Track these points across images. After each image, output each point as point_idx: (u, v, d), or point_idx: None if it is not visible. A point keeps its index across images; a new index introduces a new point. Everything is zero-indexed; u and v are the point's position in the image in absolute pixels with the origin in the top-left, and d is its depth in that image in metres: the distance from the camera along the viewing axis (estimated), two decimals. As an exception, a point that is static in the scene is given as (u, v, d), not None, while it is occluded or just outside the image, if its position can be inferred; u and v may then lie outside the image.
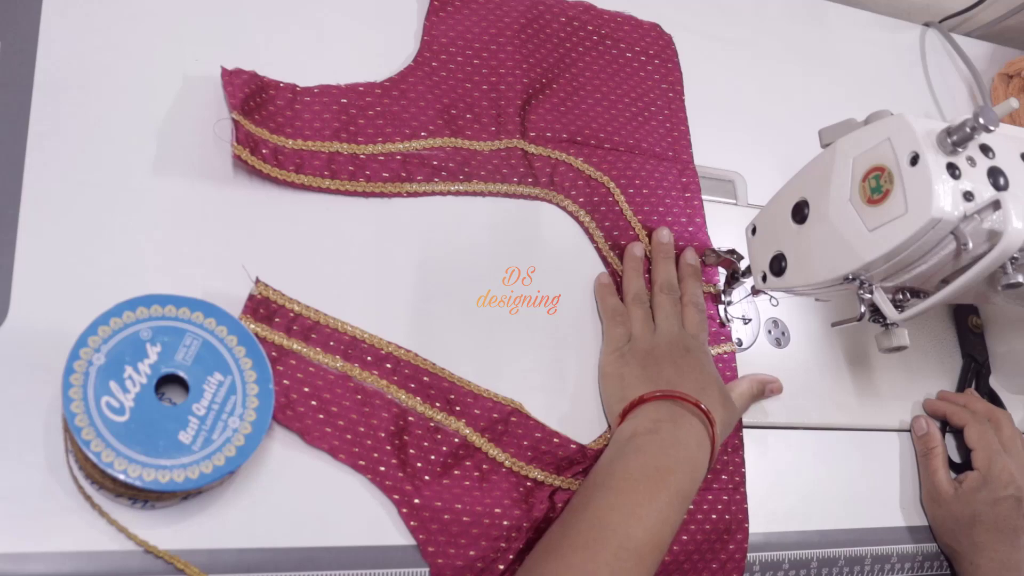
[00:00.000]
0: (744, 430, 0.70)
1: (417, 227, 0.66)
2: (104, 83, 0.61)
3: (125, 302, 0.51)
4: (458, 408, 0.61)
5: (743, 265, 0.70)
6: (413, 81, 0.69)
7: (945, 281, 0.59)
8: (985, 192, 0.55)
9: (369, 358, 0.60)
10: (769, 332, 0.75)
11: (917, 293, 0.61)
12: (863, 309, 0.61)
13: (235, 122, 0.61)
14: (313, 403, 0.57)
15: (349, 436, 0.57)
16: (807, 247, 0.62)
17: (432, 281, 0.65)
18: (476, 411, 0.61)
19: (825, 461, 0.72)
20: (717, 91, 0.83)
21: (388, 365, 0.60)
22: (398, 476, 0.57)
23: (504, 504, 0.59)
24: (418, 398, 0.60)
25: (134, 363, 0.50)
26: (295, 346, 0.58)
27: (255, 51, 0.66)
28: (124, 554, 0.50)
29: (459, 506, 0.58)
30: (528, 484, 0.60)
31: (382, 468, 0.57)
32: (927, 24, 1.01)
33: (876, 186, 0.57)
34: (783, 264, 0.64)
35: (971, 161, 0.56)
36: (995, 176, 0.56)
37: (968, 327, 0.82)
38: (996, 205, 0.54)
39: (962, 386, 0.80)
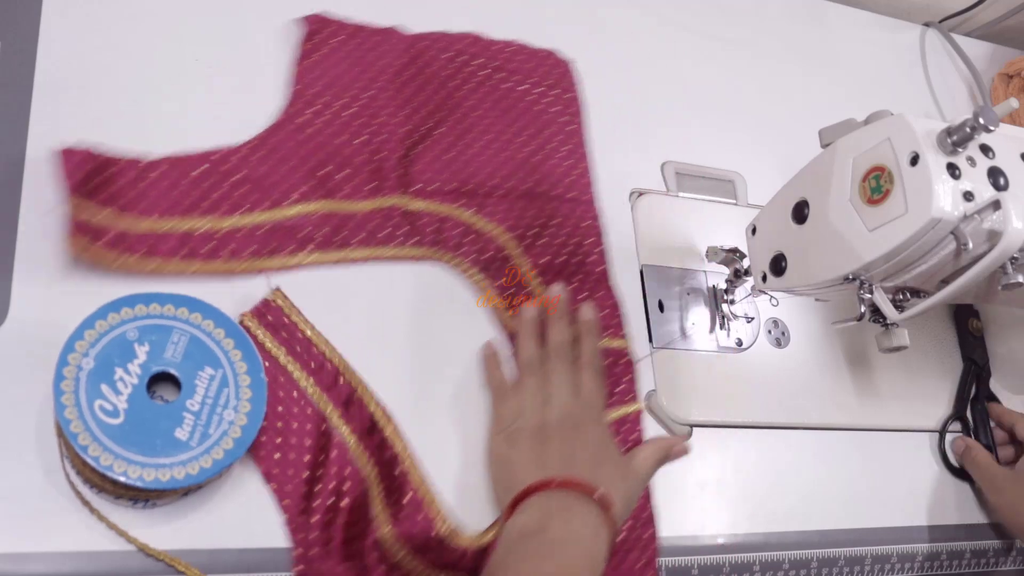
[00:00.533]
0: (744, 430, 0.70)
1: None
2: (104, 83, 0.61)
3: (109, 304, 0.51)
4: (400, 512, 0.55)
5: (745, 263, 0.70)
6: (280, 139, 0.62)
7: (945, 281, 0.59)
8: (985, 192, 0.55)
9: (352, 410, 0.57)
10: (769, 332, 0.75)
11: (917, 293, 0.61)
12: (863, 309, 0.61)
13: (69, 209, 0.54)
14: (279, 424, 0.55)
15: (291, 472, 0.54)
16: (807, 247, 0.62)
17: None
18: (413, 520, 0.56)
19: (825, 461, 0.72)
20: (717, 91, 0.83)
21: (367, 425, 0.57)
22: (311, 538, 0.53)
23: None
24: (376, 476, 0.56)
25: (124, 364, 0.50)
26: (290, 366, 0.56)
27: (255, 51, 0.66)
28: (123, 554, 0.50)
29: None
30: None
31: (301, 521, 0.53)
32: (927, 24, 1.01)
33: (876, 186, 0.57)
34: (783, 264, 0.64)
35: (971, 161, 0.56)
36: (995, 176, 0.56)
37: (968, 330, 0.82)
38: (996, 205, 0.54)
39: (963, 389, 0.79)
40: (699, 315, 0.72)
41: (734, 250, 0.71)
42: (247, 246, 0.58)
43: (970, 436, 0.77)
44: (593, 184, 0.72)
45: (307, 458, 0.54)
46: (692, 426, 0.68)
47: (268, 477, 0.54)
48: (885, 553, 0.71)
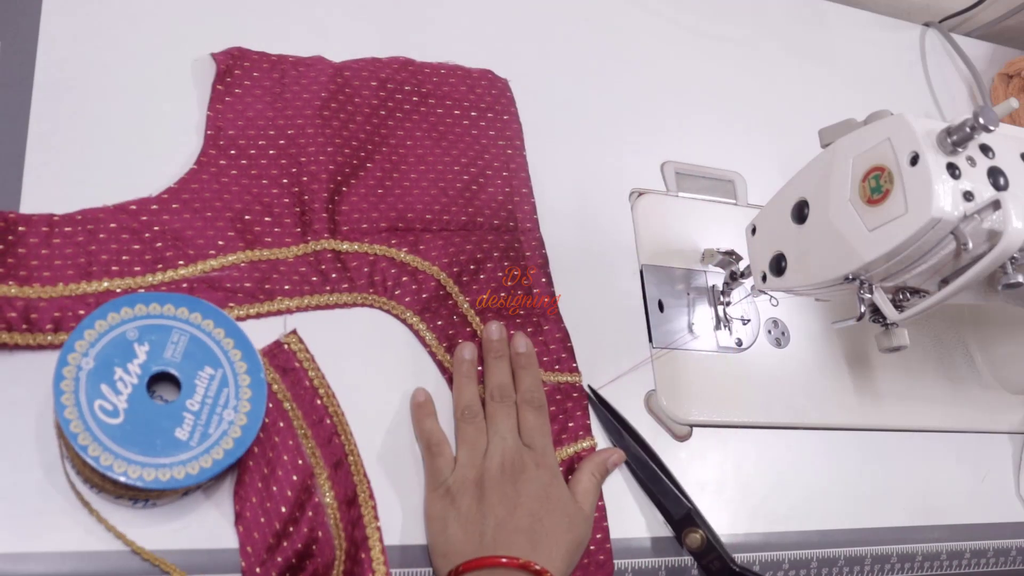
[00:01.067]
0: (744, 430, 0.70)
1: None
2: (104, 83, 0.61)
3: (108, 303, 0.51)
4: None
5: (742, 265, 0.70)
6: (197, 188, 0.59)
7: (945, 281, 0.59)
8: (985, 192, 0.55)
9: (340, 473, 0.55)
10: (769, 332, 0.75)
11: (917, 293, 0.61)
12: (863, 309, 0.61)
13: None
14: (265, 470, 0.53)
15: (263, 520, 0.52)
16: (807, 247, 0.62)
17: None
18: None
19: (825, 461, 0.72)
20: (717, 91, 0.83)
21: (350, 496, 0.55)
22: None
23: None
24: (343, 552, 0.53)
25: (123, 364, 0.50)
26: (291, 413, 0.55)
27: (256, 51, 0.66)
28: (123, 554, 0.50)
29: None
30: None
31: (257, 573, 0.51)
32: (927, 24, 1.01)
33: (876, 186, 0.57)
34: (783, 264, 0.64)
35: (971, 161, 0.56)
36: (995, 176, 0.56)
37: None
38: (996, 205, 0.54)
39: None
40: (700, 315, 0.72)
41: (730, 252, 0.71)
42: None
43: None
44: (538, 209, 0.69)
45: (283, 510, 0.52)
46: (692, 426, 0.68)
47: (239, 518, 0.52)
48: (885, 553, 0.71)
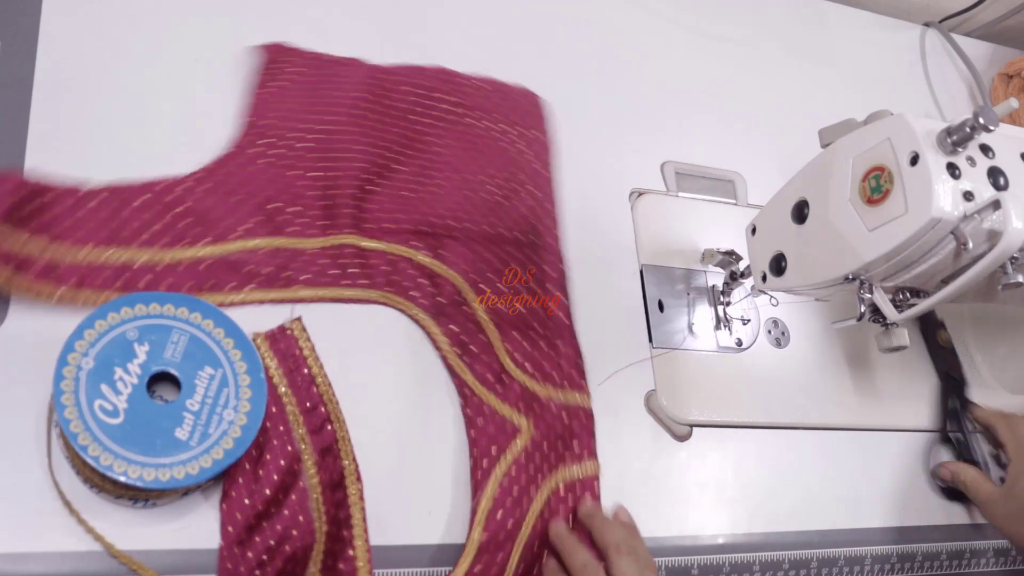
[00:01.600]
0: (744, 430, 0.70)
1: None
2: (104, 83, 0.61)
3: (109, 303, 0.51)
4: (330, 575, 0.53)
5: (742, 265, 0.70)
6: (228, 171, 0.60)
7: (945, 281, 0.59)
8: (985, 192, 0.55)
9: (327, 460, 0.55)
10: (769, 332, 0.75)
11: (917, 293, 0.61)
12: (863, 309, 0.61)
13: None
14: (254, 452, 0.52)
15: (246, 501, 0.52)
16: (807, 247, 0.62)
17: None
18: None
19: (825, 461, 0.72)
20: (717, 91, 0.83)
21: (336, 479, 0.55)
22: (238, 571, 0.51)
23: None
24: (324, 535, 0.53)
25: (123, 364, 0.50)
26: (285, 399, 0.55)
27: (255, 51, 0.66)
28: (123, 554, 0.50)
29: None
30: None
31: (234, 553, 0.51)
32: (927, 24, 1.01)
33: (876, 186, 0.57)
34: (783, 264, 0.64)
35: (971, 161, 0.56)
36: (995, 176, 0.56)
37: (938, 343, 0.80)
38: (996, 205, 0.54)
39: (945, 403, 0.78)
40: (700, 315, 0.72)
41: (730, 252, 0.71)
42: (186, 280, 0.56)
43: (963, 453, 0.75)
44: (559, 227, 0.69)
45: (267, 492, 0.52)
46: (692, 426, 0.68)
47: (224, 497, 0.52)
48: (885, 553, 0.71)
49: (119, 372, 0.50)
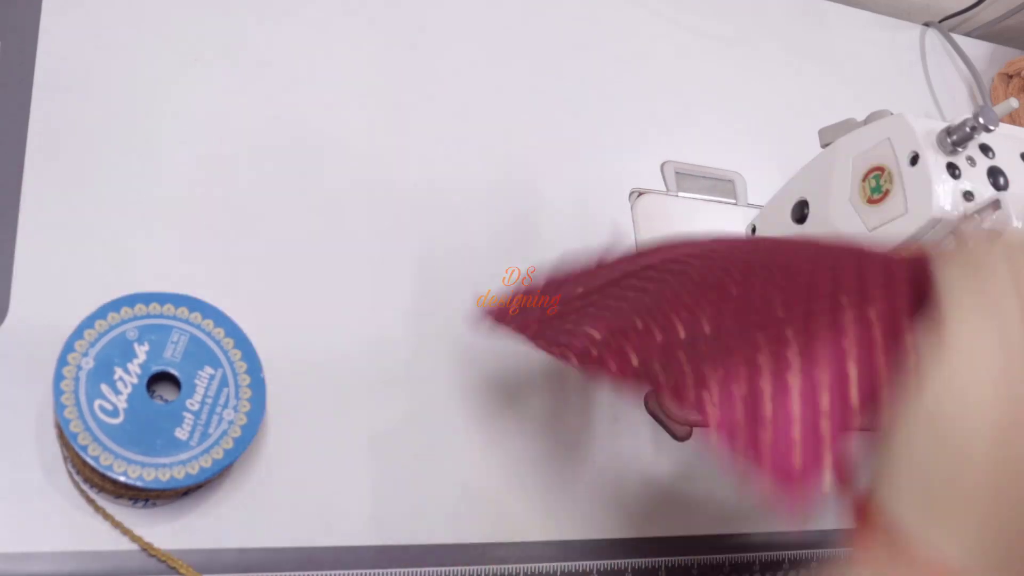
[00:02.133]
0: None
1: (417, 223, 0.66)
2: (104, 83, 0.61)
3: (109, 303, 0.51)
4: None
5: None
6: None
7: (945, 281, 0.59)
8: (985, 192, 0.55)
9: None
10: (769, 332, 0.74)
11: (917, 293, 0.61)
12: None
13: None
14: None
15: None
16: (807, 247, 0.62)
17: (433, 278, 0.64)
18: None
19: (825, 461, 0.72)
20: (717, 91, 0.83)
21: None
22: None
23: None
24: None
25: (123, 364, 0.50)
26: None
27: (255, 52, 0.66)
28: (124, 554, 0.50)
29: None
30: None
31: None
32: (927, 24, 1.01)
33: (876, 186, 0.57)
34: (783, 264, 0.64)
35: (971, 161, 0.56)
36: (995, 176, 0.56)
37: None
38: (996, 205, 0.54)
39: None
40: (699, 315, 0.72)
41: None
42: None
43: None
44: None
45: None
46: (692, 426, 0.68)
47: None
48: (885, 553, 0.71)
49: (119, 372, 0.50)
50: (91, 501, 0.50)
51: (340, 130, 0.67)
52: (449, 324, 0.64)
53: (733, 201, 0.79)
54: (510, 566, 0.59)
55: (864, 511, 0.44)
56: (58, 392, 0.48)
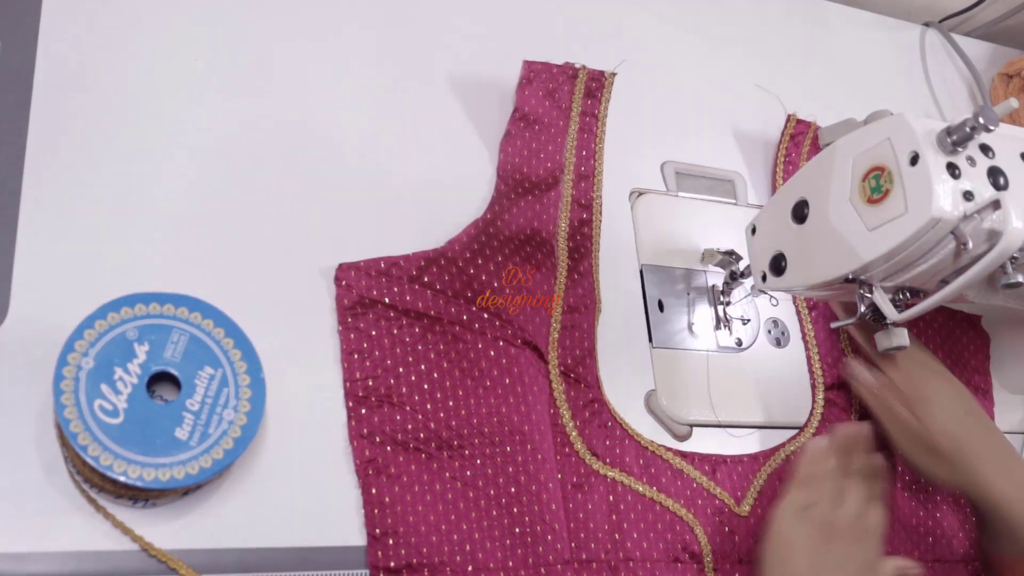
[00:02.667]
0: (745, 430, 0.70)
1: (417, 223, 0.66)
2: (104, 83, 0.61)
3: (109, 303, 0.51)
4: None
5: (742, 265, 0.70)
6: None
7: (945, 281, 0.59)
8: (985, 192, 0.55)
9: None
10: (769, 332, 0.74)
11: (917, 293, 0.61)
12: (863, 309, 0.61)
13: None
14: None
15: None
16: (807, 247, 0.62)
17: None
18: None
19: (825, 461, 0.72)
20: (717, 91, 0.83)
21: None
22: None
23: None
24: None
25: (123, 364, 0.50)
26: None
27: (255, 52, 0.66)
28: (124, 554, 0.50)
29: None
30: None
31: None
32: (927, 24, 1.01)
33: (876, 186, 0.57)
34: (783, 264, 0.64)
35: (971, 161, 0.56)
36: (995, 176, 0.56)
37: None
38: (996, 205, 0.54)
39: None
40: (700, 315, 0.72)
41: (730, 252, 0.71)
42: None
43: None
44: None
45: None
46: (692, 426, 0.68)
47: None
48: (885, 553, 0.71)
49: (119, 372, 0.50)
50: (91, 501, 0.50)
51: (340, 130, 0.67)
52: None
53: (733, 201, 0.79)
54: (510, 566, 0.59)
55: None
56: (58, 392, 0.48)
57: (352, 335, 0.59)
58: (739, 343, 0.73)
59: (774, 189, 0.78)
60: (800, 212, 0.63)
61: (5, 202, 0.55)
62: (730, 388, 0.71)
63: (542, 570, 0.57)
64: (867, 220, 0.57)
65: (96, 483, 0.50)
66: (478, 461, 0.58)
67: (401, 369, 0.59)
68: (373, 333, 0.59)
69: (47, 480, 0.50)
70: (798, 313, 0.75)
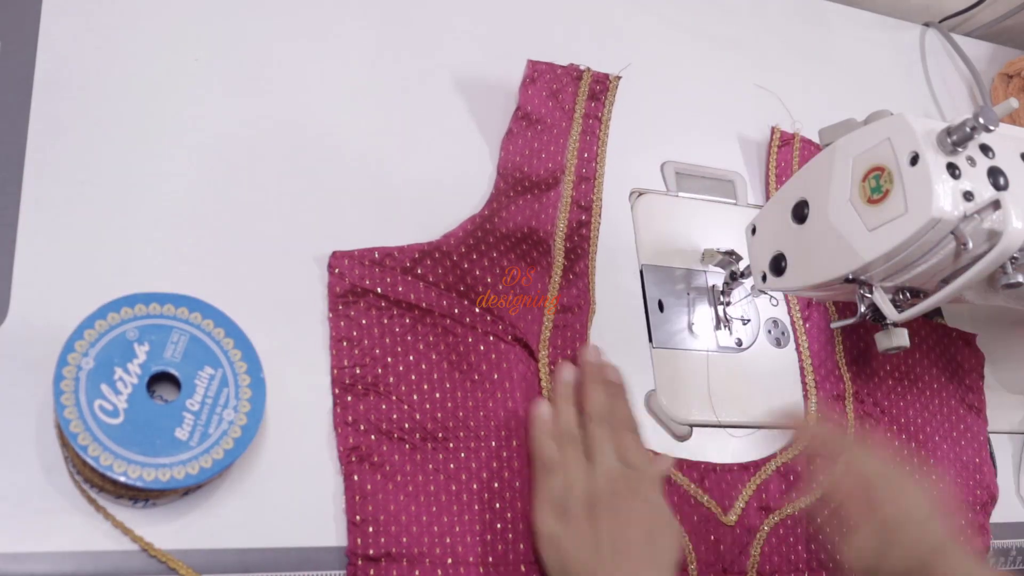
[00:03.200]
0: (746, 430, 0.70)
1: (417, 223, 0.66)
2: (104, 83, 0.61)
3: (109, 303, 0.51)
4: None
5: (742, 265, 0.70)
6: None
7: (945, 281, 0.59)
8: (985, 192, 0.55)
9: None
10: (769, 332, 0.75)
11: (917, 293, 0.61)
12: (863, 309, 0.61)
13: None
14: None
15: None
16: (807, 247, 0.62)
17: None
18: None
19: (825, 461, 0.72)
20: (717, 91, 0.83)
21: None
22: None
23: None
24: None
25: (123, 364, 0.50)
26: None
27: (254, 52, 0.66)
28: (124, 554, 0.50)
29: None
30: None
31: None
32: (927, 24, 1.01)
33: (876, 186, 0.57)
34: (783, 264, 0.64)
35: (971, 161, 0.56)
36: (995, 176, 0.56)
37: None
38: (996, 205, 0.54)
39: None
40: (700, 315, 0.72)
41: (730, 252, 0.71)
42: None
43: None
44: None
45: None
46: (692, 426, 0.68)
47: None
48: (885, 553, 0.71)
49: (119, 372, 0.50)
50: (91, 501, 0.50)
51: (340, 130, 0.67)
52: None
53: (733, 201, 0.79)
54: (510, 566, 0.59)
55: None
56: (58, 392, 0.48)
57: (342, 323, 0.59)
58: (739, 343, 0.73)
59: (767, 198, 0.78)
60: (800, 212, 0.63)
61: (5, 202, 0.55)
62: (730, 388, 0.71)
63: (522, 567, 0.57)
64: (867, 220, 0.57)
65: (96, 483, 0.50)
66: (462, 455, 0.58)
67: (389, 359, 0.59)
68: (363, 322, 0.59)
69: (47, 480, 0.50)
70: (792, 324, 0.74)
